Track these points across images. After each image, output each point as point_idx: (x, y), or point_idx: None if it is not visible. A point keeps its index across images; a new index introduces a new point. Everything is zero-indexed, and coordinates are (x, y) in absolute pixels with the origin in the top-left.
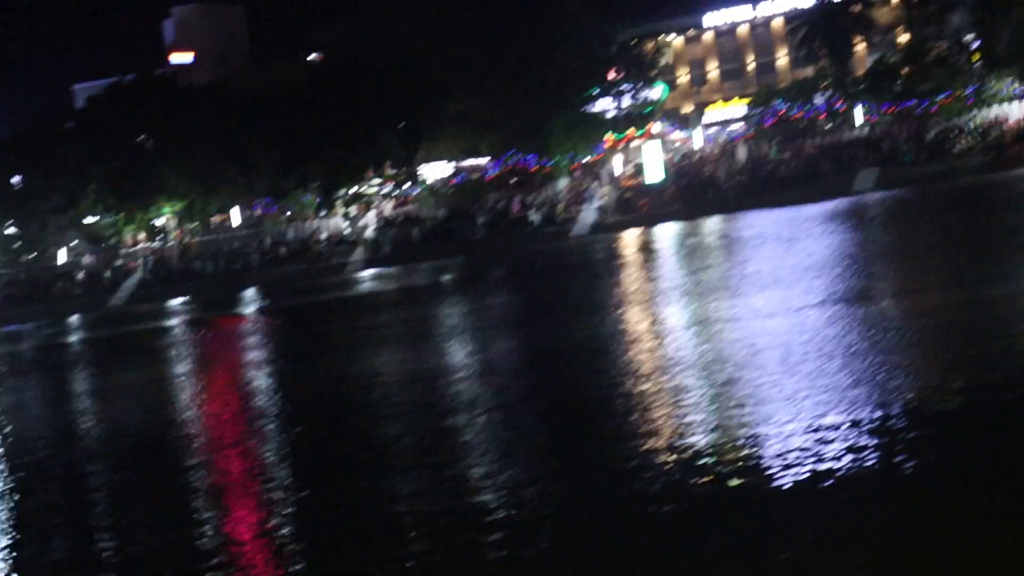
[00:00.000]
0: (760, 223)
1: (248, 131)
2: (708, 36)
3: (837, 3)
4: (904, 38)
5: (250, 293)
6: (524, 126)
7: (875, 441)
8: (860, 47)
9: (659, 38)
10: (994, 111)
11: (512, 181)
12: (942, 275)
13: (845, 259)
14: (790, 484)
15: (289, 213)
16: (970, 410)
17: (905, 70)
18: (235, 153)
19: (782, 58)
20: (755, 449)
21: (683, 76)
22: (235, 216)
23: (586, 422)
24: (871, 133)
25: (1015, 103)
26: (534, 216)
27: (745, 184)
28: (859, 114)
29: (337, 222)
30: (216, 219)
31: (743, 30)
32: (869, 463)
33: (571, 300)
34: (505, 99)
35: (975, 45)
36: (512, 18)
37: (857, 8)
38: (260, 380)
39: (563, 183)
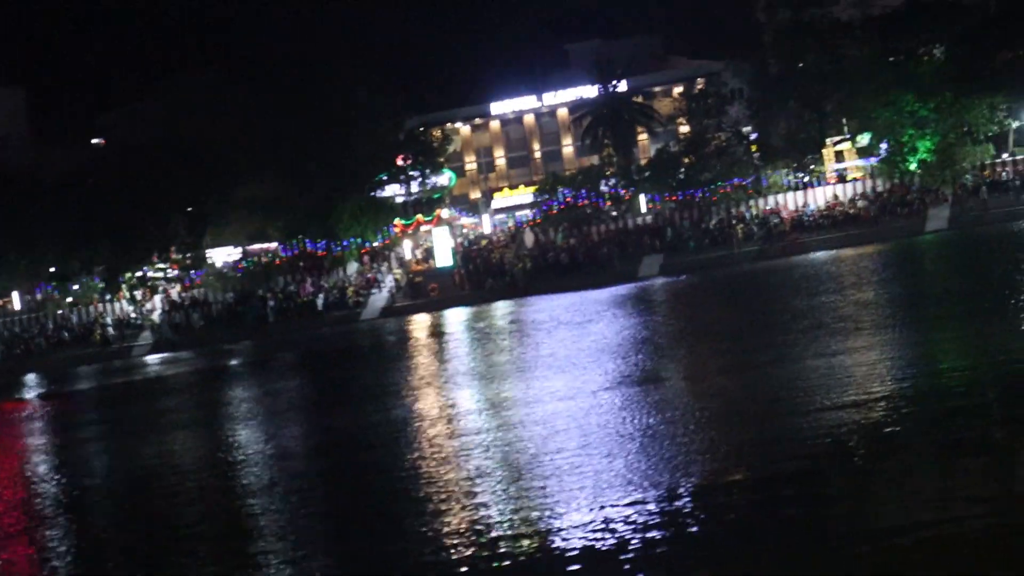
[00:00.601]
0: (548, 308)
1: (30, 214)
2: (495, 124)
3: (620, 94)
4: (685, 128)
5: (31, 378)
6: (313, 210)
7: (665, 521)
8: (643, 137)
9: (446, 125)
10: (772, 200)
11: (301, 265)
12: (725, 359)
13: (633, 343)
14: (586, 564)
15: (71, 298)
16: (751, 486)
17: (687, 159)
18: (16, 236)
19: (567, 146)
20: (550, 529)
21: (471, 163)
22: (15, 300)
23: (381, 508)
24: (655, 220)
25: (791, 193)
26: (323, 300)
27: (533, 270)
28: (643, 202)
29: (123, 306)
30: None
31: (529, 119)
32: (658, 541)
33: (362, 384)
34: (293, 184)
35: (753, 137)
36: (299, 104)
37: (639, 99)
38: (42, 468)
39: (353, 267)
